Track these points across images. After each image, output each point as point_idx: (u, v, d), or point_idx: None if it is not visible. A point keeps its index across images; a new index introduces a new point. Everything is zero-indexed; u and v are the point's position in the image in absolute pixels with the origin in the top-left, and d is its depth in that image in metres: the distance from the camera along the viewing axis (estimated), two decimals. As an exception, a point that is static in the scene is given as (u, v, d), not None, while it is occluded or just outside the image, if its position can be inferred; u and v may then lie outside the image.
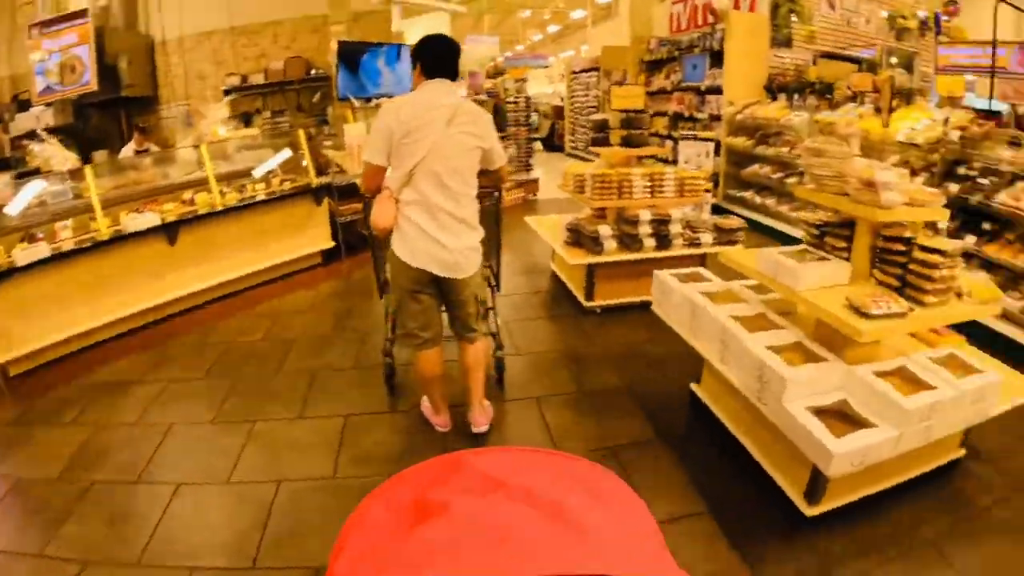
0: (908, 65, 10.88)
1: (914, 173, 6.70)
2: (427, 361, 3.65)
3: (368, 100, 9.46)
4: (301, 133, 7.69)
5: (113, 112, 11.16)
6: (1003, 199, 5.74)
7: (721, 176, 9.97)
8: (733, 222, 5.82)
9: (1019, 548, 3.06)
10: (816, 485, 3.07)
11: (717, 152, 9.67)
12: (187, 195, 6.43)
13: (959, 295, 3.35)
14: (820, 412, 2.99)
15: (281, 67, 10.72)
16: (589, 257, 5.48)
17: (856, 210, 3.26)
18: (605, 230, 5.46)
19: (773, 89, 9.59)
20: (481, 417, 3.88)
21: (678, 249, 5.64)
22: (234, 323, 5.98)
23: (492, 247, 4.22)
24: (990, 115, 7.23)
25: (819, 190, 3.50)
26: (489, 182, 3.73)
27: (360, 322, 5.86)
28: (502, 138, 10.30)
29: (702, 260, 5.81)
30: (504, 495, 1.06)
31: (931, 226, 3.54)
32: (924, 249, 3.16)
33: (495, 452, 1.31)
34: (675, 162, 8.87)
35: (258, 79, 10.84)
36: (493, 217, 4.07)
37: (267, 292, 6.81)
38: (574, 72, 17.06)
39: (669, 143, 10.08)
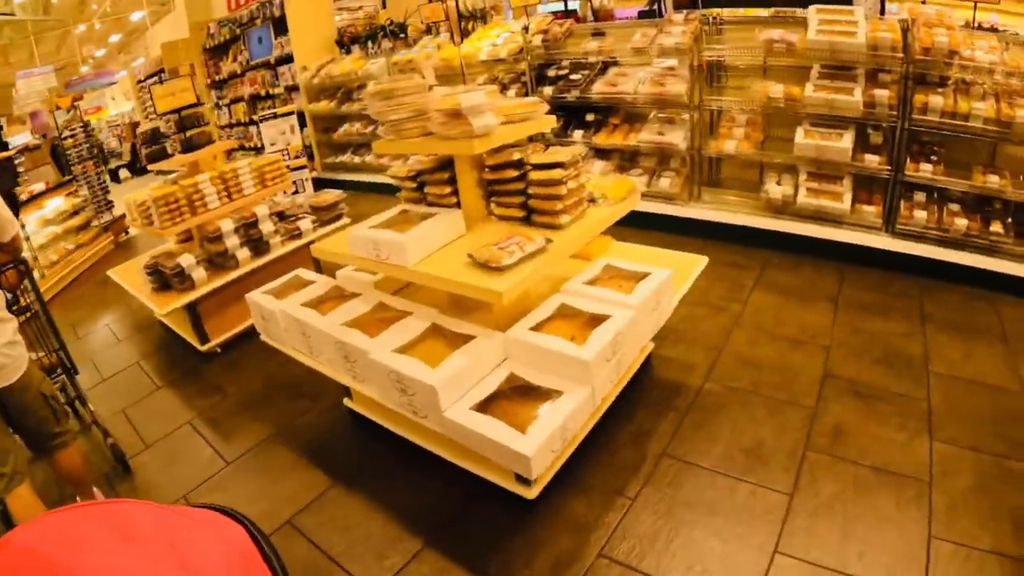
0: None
1: (505, 88, 6.55)
2: (20, 504, 2.70)
3: None
4: None
5: None
6: (600, 88, 5.65)
7: (315, 147, 9.32)
8: (328, 196, 5.11)
9: (746, 411, 3.24)
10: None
11: (303, 124, 8.97)
12: None
13: (592, 201, 3.04)
14: (492, 401, 2.47)
15: None
16: (182, 297, 4.49)
17: (450, 147, 2.76)
18: (188, 260, 4.46)
19: (345, 43, 9.01)
20: None
21: (280, 248, 4.85)
22: None
23: (44, 326, 3.55)
24: (568, 14, 7.29)
25: (399, 138, 2.93)
26: (5, 257, 3.10)
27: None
28: (69, 180, 8.83)
29: (315, 263, 5.15)
30: None
31: (539, 138, 3.17)
32: (540, 167, 2.78)
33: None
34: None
35: None
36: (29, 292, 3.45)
37: None
38: (140, 82, 15.18)
39: (256, 128, 9.18)
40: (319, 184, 9.03)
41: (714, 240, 5.22)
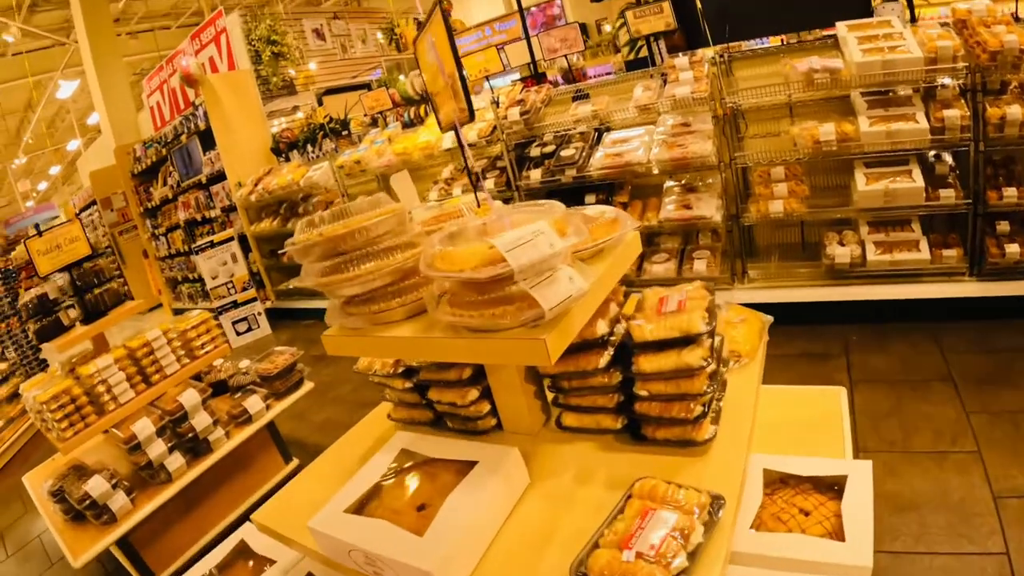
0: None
1: (479, 179, 5.47)
2: None
3: None
4: None
5: None
6: (603, 161, 4.57)
7: (263, 273, 8.13)
8: (279, 359, 3.93)
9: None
10: None
11: (247, 248, 7.83)
12: None
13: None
14: None
15: None
16: (102, 537, 3.19)
17: (489, 353, 1.54)
18: (99, 485, 3.13)
19: (282, 150, 7.93)
20: None
21: (224, 444, 3.57)
22: None
23: None
24: (536, 78, 6.29)
25: (369, 327, 1.73)
26: None
27: None
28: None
29: (274, 437, 4.00)
30: None
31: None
32: (655, 348, 1.64)
33: None
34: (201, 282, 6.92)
35: None
36: None
37: None
38: (77, 214, 13.89)
39: (195, 259, 8.03)
40: (274, 315, 7.87)
41: (772, 325, 4.13)
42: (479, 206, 1.87)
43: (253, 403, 3.69)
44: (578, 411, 1.79)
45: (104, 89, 12.03)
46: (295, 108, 8.89)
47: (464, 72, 1.82)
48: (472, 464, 1.60)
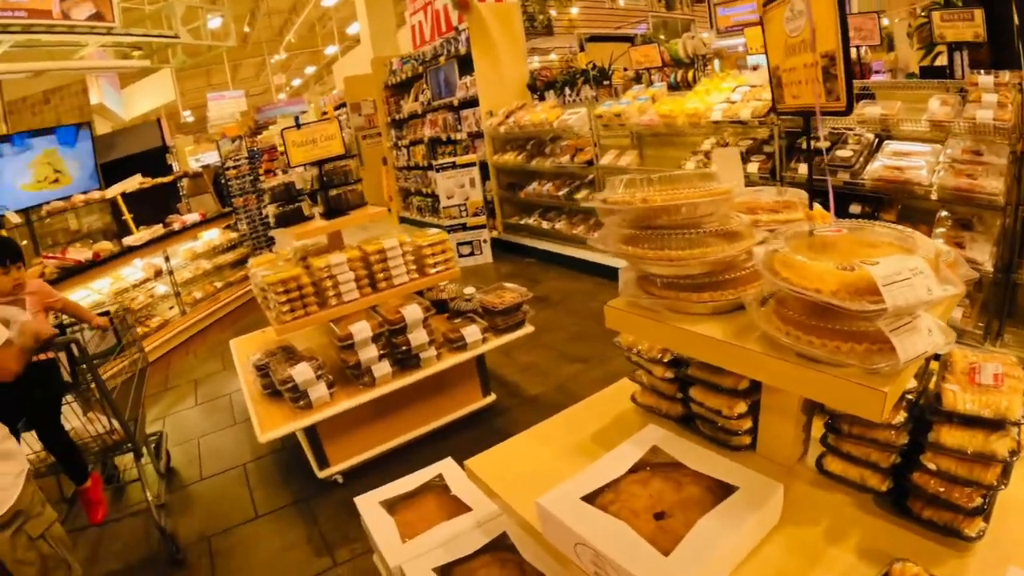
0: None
1: (745, 159, 5.04)
2: None
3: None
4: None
5: None
6: (880, 172, 4.01)
7: (497, 204, 8.08)
8: (508, 295, 3.77)
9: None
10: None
11: (486, 176, 7.79)
12: None
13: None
14: None
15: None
16: (293, 420, 3.25)
17: (814, 389, 1.26)
18: (304, 372, 3.20)
19: (538, 88, 7.79)
20: None
21: (433, 365, 3.53)
22: None
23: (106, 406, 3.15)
24: None
25: (670, 312, 1.50)
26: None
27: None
28: (226, 214, 8.11)
29: (479, 367, 3.85)
30: None
31: None
32: (962, 422, 1.30)
33: None
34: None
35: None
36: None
37: None
38: (324, 113, 14.70)
39: (434, 175, 8.11)
40: (498, 246, 7.85)
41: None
42: (811, 207, 1.54)
43: (471, 332, 3.57)
44: (847, 459, 1.47)
45: (368, 2, 12.51)
46: (554, 50, 8.68)
47: (848, 51, 1.47)
48: (727, 487, 1.37)
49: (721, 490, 1.36)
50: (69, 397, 3.26)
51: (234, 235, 8.29)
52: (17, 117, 8.63)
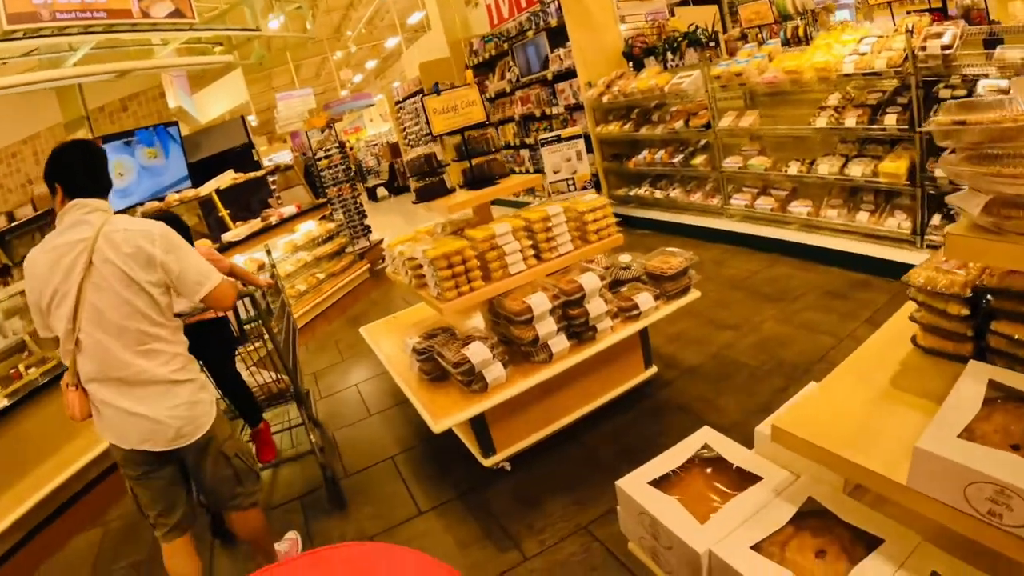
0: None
1: (879, 113, 4.71)
2: (174, 556, 2.62)
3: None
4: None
5: None
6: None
7: (602, 176, 7.88)
8: (673, 259, 3.56)
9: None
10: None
11: (589, 149, 7.55)
12: None
13: None
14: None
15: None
16: (468, 406, 3.06)
17: None
18: (480, 352, 3.02)
19: (635, 55, 7.49)
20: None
21: (609, 336, 3.33)
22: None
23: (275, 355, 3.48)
24: (938, 13, 5.29)
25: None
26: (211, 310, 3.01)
27: None
28: (321, 205, 8.04)
29: (642, 337, 3.64)
30: None
31: None
32: None
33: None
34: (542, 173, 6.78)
35: (27, 212, 7.46)
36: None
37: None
38: (398, 102, 14.57)
39: (526, 153, 7.88)
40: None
41: None
42: None
43: (644, 300, 3.37)
44: None
45: (437, -13, 12.32)
46: (645, 14, 8.33)
47: None
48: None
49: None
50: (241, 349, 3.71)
51: (331, 225, 8.23)
52: (96, 127, 8.67)
